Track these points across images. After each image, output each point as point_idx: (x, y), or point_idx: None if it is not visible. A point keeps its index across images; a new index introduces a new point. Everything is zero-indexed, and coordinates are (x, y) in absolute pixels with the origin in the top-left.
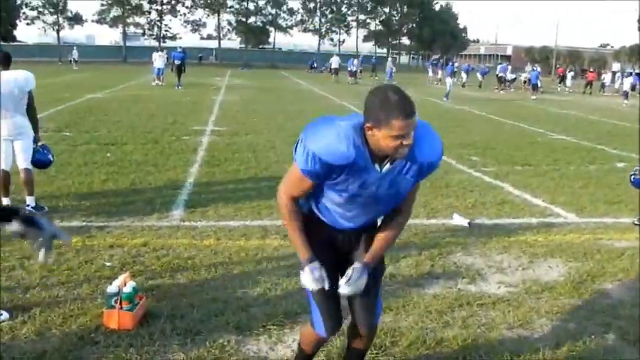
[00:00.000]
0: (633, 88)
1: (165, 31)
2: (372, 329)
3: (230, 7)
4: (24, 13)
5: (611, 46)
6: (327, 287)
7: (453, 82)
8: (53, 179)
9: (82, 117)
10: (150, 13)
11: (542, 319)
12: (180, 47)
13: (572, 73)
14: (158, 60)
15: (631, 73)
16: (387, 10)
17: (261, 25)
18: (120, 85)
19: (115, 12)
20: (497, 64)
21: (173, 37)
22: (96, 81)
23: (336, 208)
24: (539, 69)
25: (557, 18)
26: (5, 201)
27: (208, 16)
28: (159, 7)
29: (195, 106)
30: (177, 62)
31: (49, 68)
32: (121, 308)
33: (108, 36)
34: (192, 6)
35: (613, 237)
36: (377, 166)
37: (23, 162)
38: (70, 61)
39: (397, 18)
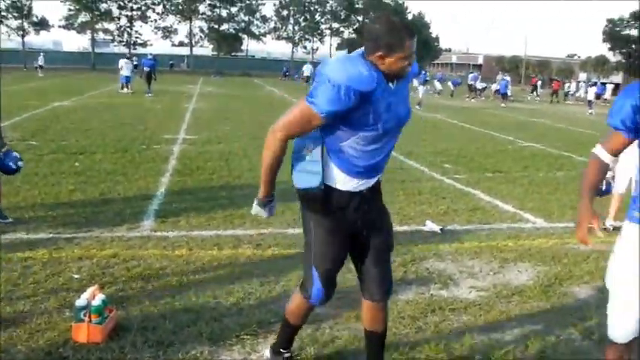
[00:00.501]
0: (598, 97)
1: (136, 37)
2: (384, 303)
3: (202, 14)
4: None
5: (578, 57)
6: (271, 214)
7: (425, 91)
8: (19, 189)
9: (48, 125)
10: (119, 19)
11: (513, 322)
12: (150, 54)
13: (539, 82)
14: (125, 68)
15: (595, 83)
16: (360, 18)
17: (233, 32)
18: (88, 93)
19: (84, 17)
20: (469, 72)
21: (144, 44)
22: (63, 88)
23: (368, 155)
24: (508, 78)
25: (527, 28)
26: None
27: (180, 22)
28: (129, 13)
29: (167, 114)
30: (147, 69)
31: (14, 75)
32: (90, 321)
33: (76, 42)
34: (163, 12)
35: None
36: (390, 85)
37: None
38: (36, 67)
39: None
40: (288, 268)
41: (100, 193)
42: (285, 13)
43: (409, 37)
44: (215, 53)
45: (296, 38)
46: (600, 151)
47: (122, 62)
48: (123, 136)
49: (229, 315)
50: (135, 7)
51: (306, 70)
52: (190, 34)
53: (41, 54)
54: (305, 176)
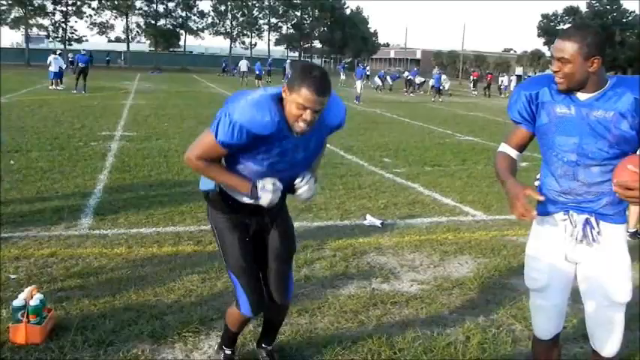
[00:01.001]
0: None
1: (71, 33)
2: (286, 305)
3: (139, 10)
4: None
5: (514, 51)
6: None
7: (363, 85)
8: None
9: None
10: (54, 14)
11: (454, 314)
12: (84, 50)
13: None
14: (53, 64)
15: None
16: (298, 13)
17: (171, 27)
18: (23, 90)
19: (17, 12)
20: (408, 70)
21: (79, 40)
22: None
23: (252, 176)
24: (440, 72)
25: (463, 22)
26: None
27: (116, 18)
28: (63, 9)
29: (104, 111)
30: (81, 65)
31: None
32: (29, 322)
33: (9, 38)
34: (98, 7)
35: (518, 233)
36: (293, 133)
37: None
38: None
39: (308, 22)
40: None
41: (36, 192)
42: (222, 8)
43: (312, 90)
44: (152, 49)
45: (234, 34)
46: (505, 147)
47: (50, 58)
48: (59, 133)
49: (170, 312)
50: (70, 2)
51: (243, 65)
52: (127, 30)
53: None
54: (205, 179)
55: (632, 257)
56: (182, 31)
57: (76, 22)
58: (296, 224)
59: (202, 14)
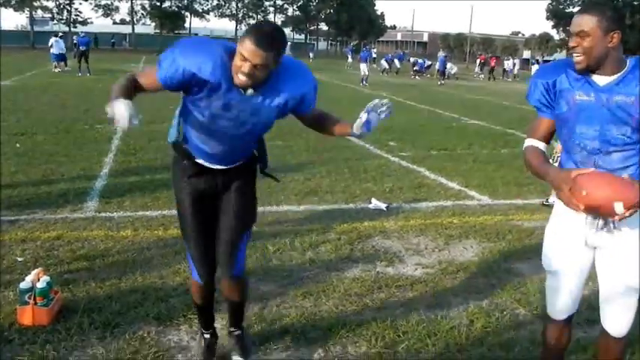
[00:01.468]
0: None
1: (76, 15)
2: (235, 280)
3: None
4: None
5: (522, 34)
6: (135, 122)
7: (368, 68)
8: None
9: None
10: None
11: (458, 298)
12: (82, 32)
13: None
14: (55, 46)
15: (537, 61)
16: None
17: (176, 9)
18: (28, 73)
19: None
20: (417, 56)
21: (84, 22)
22: (2, 67)
23: (199, 134)
24: (445, 55)
25: (471, 5)
26: None
27: (121, 0)
28: None
29: (109, 94)
30: (82, 48)
31: None
32: (36, 304)
33: (14, 20)
34: None
35: (523, 218)
36: (242, 90)
37: None
38: None
39: (315, 3)
40: None
41: (42, 175)
42: None
43: (253, 41)
44: (157, 31)
45: (239, 16)
46: (531, 142)
47: (52, 40)
48: (65, 116)
49: (176, 295)
50: None
51: None
52: (132, 12)
53: None
54: (171, 130)
55: None
56: (187, 13)
57: (80, 4)
58: (301, 207)
59: None
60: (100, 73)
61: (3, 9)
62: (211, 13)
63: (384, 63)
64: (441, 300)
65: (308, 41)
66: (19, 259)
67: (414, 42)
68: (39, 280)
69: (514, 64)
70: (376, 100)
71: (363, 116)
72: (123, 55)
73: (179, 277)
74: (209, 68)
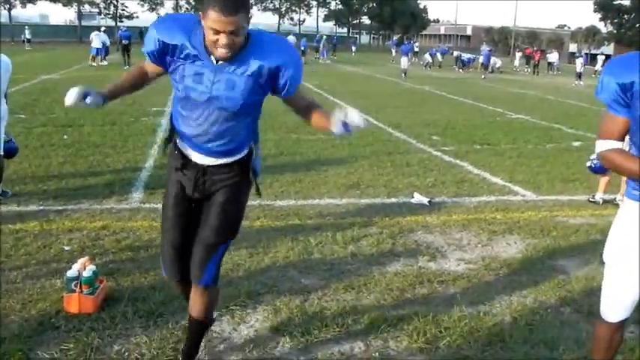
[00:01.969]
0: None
1: (122, 10)
2: (200, 290)
3: None
4: None
5: (568, 27)
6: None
7: (408, 61)
8: (9, 163)
9: (37, 98)
10: None
11: (501, 294)
12: (124, 26)
13: (520, 54)
14: (95, 40)
15: (581, 55)
16: None
17: None
18: (75, 66)
19: None
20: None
21: (130, 17)
22: (50, 61)
23: (182, 119)
24: (489, 49)
25: None
26: None
27: None
28: None
29: (154, 87)
30: (125, 42)
31: (1, 48)
32: (82, 292)
33: (62, 15)
34: None
35: (568, 214)
36: (212, 59)
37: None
38: (23, 40)
39: None
40: (277, 239)
41: (89, 166)
42: None
43: (217, 9)
44: None
45: (282, 10)
46: (609, 144)
47: (93, 35)
48: (111, 108)
49: (218, 286)
50: None
51: (290, 40)
52: (177, 7)
53: (26, 27)
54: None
55: None
56: None
57: None
58: (343, 201)
59: None
60: None
61: (52, 4)
62: (255, 7)
63: (427, 57)
64: (483, 296)
65: (350, 35)
66: (66, 248)
67: (457, 35)
68: (85, 268)
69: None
70: (351, 118)
71: (339, 118)
72: None
73: (221, 269)
74: (177, 34)
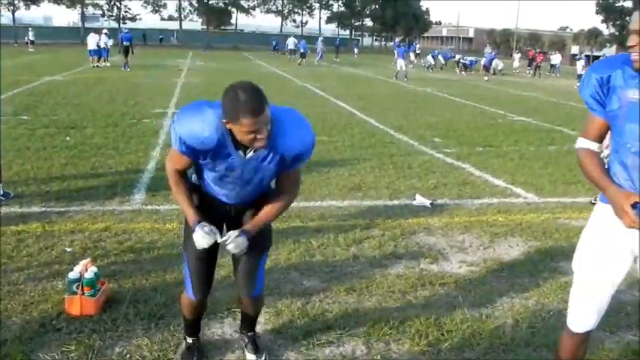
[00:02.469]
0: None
1: (125, 12)
2: (254, 300)
3: None
4: None
5: (570, 29)
6: (219, 240)
7: (405, 63)
8: (11, 164)
9: (39, 100)
10: None
11: (503, 297)
12: (126, 28)
13: (519, 55)
14: (89, 41)
15: (582, 57)
16: None
17: (222, 6)
18: (79, 68)
19: None
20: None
21: (133, 18)
22: (54, 63)
23: (213, 184)
24: (493, 53)
25: (518, 1)
26: None
27: None
28: None
29: (157, 89)
30: (126, 43)
31: (5, 50)
32: (83, 294)
33: (66, 17)
34: None
35: (571, 216)
36: (241, 152)
37: None
38: (26, 42)
39: None
40: (278, 241)
41: (91, 167)
42: None
43: (249, 116)
44: (204, 27)
45: (285, 12)
46: (585, 143)
47: (89, 37)
48: (113, 110)
49: (220, 288)
50: None
51: (290, 43)
52: (180, 9)
53: (30, 29)
54: (192, 175)
55: None
56: (234, 9)
57: (130, 0)
58: (345, 203)
59: None
60: (148, 69)
61: (55, 6)
62: (257, 9)
63: (429, 59)
64: (485, 299)
65: (353, 37)
66: (68, 249)
67: (459, 37)
68: (87, 270)
69: (559, 60)
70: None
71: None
72: (170, 50)
73: (223, 271)
74: (205, 140)
